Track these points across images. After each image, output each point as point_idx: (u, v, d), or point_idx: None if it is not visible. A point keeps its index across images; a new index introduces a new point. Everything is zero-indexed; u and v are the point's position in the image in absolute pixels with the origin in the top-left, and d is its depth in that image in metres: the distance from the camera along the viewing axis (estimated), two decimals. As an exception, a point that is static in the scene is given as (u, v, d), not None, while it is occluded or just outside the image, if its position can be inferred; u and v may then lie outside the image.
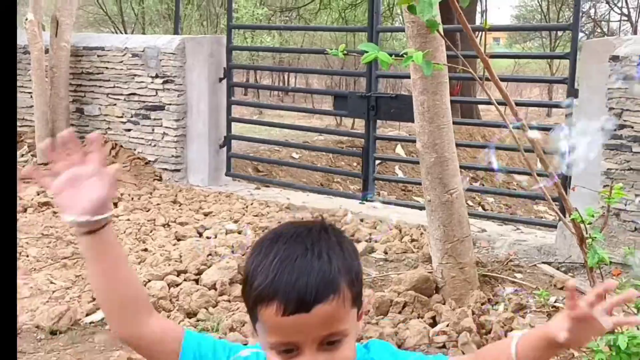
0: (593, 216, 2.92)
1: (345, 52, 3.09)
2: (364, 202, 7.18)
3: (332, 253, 1.28)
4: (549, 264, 5.55)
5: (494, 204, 11.05)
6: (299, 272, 1.24)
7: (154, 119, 8.23)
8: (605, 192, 3.00)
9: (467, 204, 10.98)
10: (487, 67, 2.88)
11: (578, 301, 1.25)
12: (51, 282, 4.88)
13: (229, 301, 4.76)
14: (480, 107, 15.73)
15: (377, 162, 10.06)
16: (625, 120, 5.31)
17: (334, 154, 10.39)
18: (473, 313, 4.49)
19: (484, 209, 10.39)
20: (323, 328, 1.24)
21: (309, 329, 1.23)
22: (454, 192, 4.55)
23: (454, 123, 4.63)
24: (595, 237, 2.83)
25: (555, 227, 5.93)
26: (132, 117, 8.41)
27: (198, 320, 4.52)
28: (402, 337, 4.23)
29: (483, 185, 10.72)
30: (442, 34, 3.42)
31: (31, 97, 8.62)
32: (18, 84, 8.75)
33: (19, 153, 8.90)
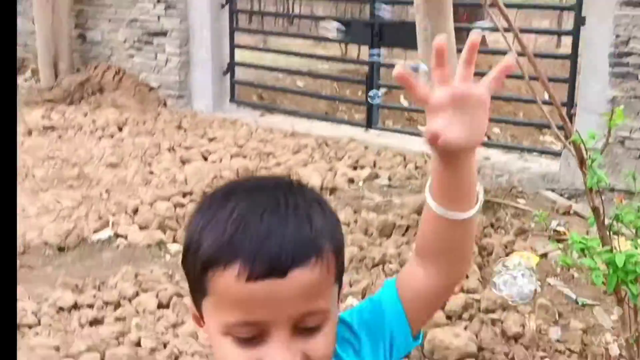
0: (594, 138, 2.93)
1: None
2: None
3: (312, 210, 0.95)
4: (553, 190, 5.59)
5: (499, 135, 11.04)
6: (270, 227, 0.91)
7: (157, 45, 8.17)
8: (607, 114, 3.00)
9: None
10: (492, -12, 2.85)
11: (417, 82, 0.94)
12: (58, 202, 4.94)
13: (234, 222, 4.83)
14: (489, 36, 15.56)
15: (382, 90, 10.01)
16: (632, 48, 5.27)
17: (338, 83, 10.34)
18: (475, 236, 4.55)
19: (489, 139, 10.39)
20: (301, 302, 0.90)
21: (284, 302, 0.89)
22: (458, 116, 4.55)
23: (458, 51, 4.60)
24: (595, 159, 2.85)
25: (560, 155, 5.96)
26: (134, 43, 8.35)
27: (203, 240, 4.60)
28: (405, 258, 4.30)
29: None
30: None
31: (33, 23, 8.54)
32: (19, 9, 8.66)
33: (22, 78, 8.87)
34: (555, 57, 8.85)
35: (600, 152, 3.00)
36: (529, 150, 6.40)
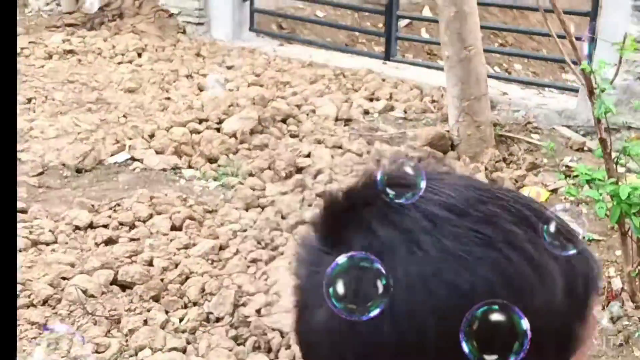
0: (603, 67, 2.92)
1: None
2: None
3: None
4: (569, 127, 5.57)
5: (521, 71, 10.90)
6: None
7: (178, -29, 8.11)
8: (619, 44, 2.99)
9: (494, 70, 10.84)
10: None
11: None
12: (76, 125, 5.02)
13: (249, 149, 4.88)
14: None
15: (405, 22, 9.86)
16: (657, -17, 5.16)
17: (359, 14, 10.22)
18: (486, 169, 4.58)
19: (509, 74, 10.27)
20: None
21: None
22: (472, 49, 4.53)
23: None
24: (605, 89, 2.85)
25: (578, 91, 5.91)
26: (155, -33, 8.29)
27: (219, 166, 4.67)
28: (415, 189, 4.35)
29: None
30: None
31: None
32: None
33: (43, 1, 8.87)
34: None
35: (610, 81, 3.00)
36: (547, 86, 6.34)
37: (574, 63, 3.80)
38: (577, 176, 3.07)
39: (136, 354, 2.72)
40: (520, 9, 7.93)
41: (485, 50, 5.06)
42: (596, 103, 2.85)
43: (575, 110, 5.76)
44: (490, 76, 5.62)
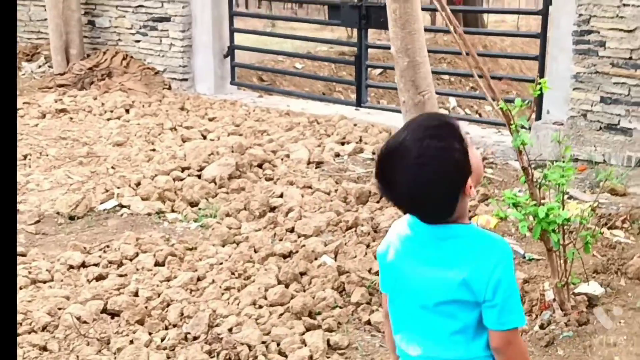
0: (521, 105, 3.40)
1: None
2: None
3: None
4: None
5: (491, 112, 11.45)
6: None
7: (161, 30, 8.67)
8: (532, 87, 3.47)
9: (465, 112, 11.36)
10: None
11: None
12: (69, 177, 5.48)
13: (227, 193, 5.34)
14: (493, 17, 16.33)
15: (379, 70, 10.41)
16: (592, 26, 5.70)
17: (336, 65, 10.79)
18: (443, 202, 5.02)
19: (480, 116, 10.82)
20: None
21: None
22: (426, 94, 5.02)
23: (427, 30, 5.06)
24: (522, 124, 3.33)
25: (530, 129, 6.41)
26: (140, 28, 8.85)
27: (199, 209, 5.12)
28: (378, 221, 4.80)
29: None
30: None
31: (45, 9, 9.06)
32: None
33: (36, 64, 9.41)
34: (526, 35, 9.42)
35: (526, 118, 3.47)
36: (496, 124, 6.89)
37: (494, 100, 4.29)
38: (506, 199, 3.51)
39: (123, 368, 3.14)
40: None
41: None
42: (513, 135, 3.32)
43: (528, 145, 6.25)
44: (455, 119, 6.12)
